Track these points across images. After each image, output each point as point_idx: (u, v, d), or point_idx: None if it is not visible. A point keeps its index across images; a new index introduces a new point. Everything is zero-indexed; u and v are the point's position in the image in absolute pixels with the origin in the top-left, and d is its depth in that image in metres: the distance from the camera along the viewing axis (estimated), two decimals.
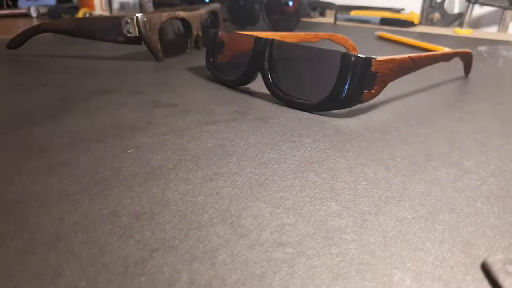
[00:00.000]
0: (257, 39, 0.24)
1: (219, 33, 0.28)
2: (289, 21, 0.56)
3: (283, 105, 0.24)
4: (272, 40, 0.24)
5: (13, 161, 0.15)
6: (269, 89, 0.24)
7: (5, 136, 0.18)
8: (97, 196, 0.13)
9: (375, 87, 0.21)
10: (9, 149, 0.16)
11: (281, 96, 0.24)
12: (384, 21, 0.77)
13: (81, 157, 0.16)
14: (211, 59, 0.29)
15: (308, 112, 0.23)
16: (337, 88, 0.21)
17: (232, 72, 0.27)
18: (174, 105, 0.23)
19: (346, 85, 0.21)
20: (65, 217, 0.12)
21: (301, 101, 0.23)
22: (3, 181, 0.14)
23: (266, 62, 0.24)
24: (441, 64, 0.38)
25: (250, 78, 0.26)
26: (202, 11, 0.40)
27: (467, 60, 0.33)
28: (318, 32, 0.39)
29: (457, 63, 0.36)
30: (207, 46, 0.29)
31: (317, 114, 0.22)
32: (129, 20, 0.32)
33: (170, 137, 0.18)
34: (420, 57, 0.24)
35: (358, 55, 0.20)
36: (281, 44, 0.24)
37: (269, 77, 0.24)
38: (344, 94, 0.21)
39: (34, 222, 0.12)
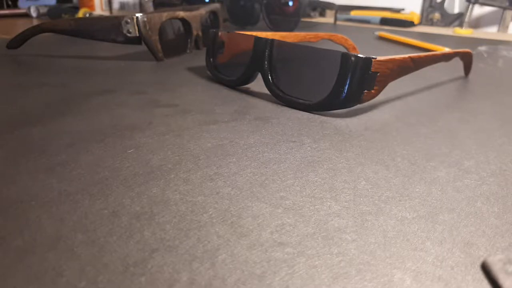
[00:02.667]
0: (257, 39, 0.24)
1: (219, 33, 0.28)
2: (289, 21, 0.56)
3: (283, 105, 0.24)
4: (272, 40, 0.24)
5: (13, 161, 0.15)
6: (269, 89, 0.24)
7: (5, 136, 0.18)
8: (97, 196, 0.13)
9: (375, 87, 0.21)
10: (9, 149, 0.16)
11: (281, 96, 0.24)
12: (384, 21, 0.77)
13: (81, 157, 0.16)
14: (211, 59, 0.29)
15: (308, 112, 0.23)
16: (337, 88, 0.21)
17: (232, 72, 0.27)
18: (174, 105, 0.23)
19: (346, 85, 0.21)
20: (65, 217, 0.12)
21: (301, 101, 0.23)
22: (3, 181, 0.14)
23: (266, 62, 0.24)
24: (441, 64, 0.38)
25: (250, 78, 0.26)
26: (202, 11, 0.40)
27: (467, 60, 0.33)
28: (318, 32, 0.39)
29: (457, 63, 0.36)
30: (207, 46, 0.29)
31: (317, 114, 0.22)
32: (129, 20, 0.32)
33: (170, 137, 0.18)
34: (420, 57, 0.24)
35: (358, 55, 0.20)
36: (281, 44, 0.24)
37: (269, 77, 0.24)
38: (344, 94, 0.21)
39: (34, 222, 0.12)
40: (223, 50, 0.28)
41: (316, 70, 0.22)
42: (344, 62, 0.21)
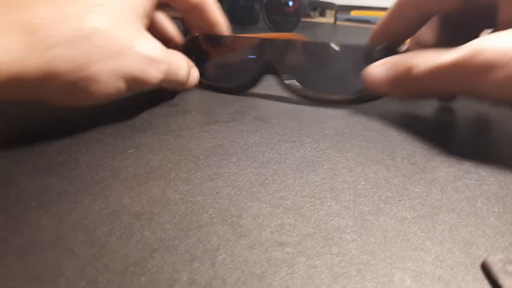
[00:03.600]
0: (265, 40, 0.24)
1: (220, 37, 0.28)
2: (289, 21, 0.56)
3: (283, 105, 0.24)
4: (290, 40, 0.24)
5: (13, 161, 0.15)
6: (292, 91, 0.24)
7: (5, 136, 0.18)
8: (97, 196, 0.13)
9: None
10: (9, 149, 0.16)
11: (310, 96, 0.24)
12: None
13: (81, 157, 0.16)
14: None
15: (342, 107, 0.23)
16: None
17: (235, 78, 0.27)
18: (174, 105, 0.23)
19: None
20: (65, 217, 0.12)
21: (333, 97, 0.23)
22: (3, 181, 0.14)
23: (282, 64, 0.24)
24: None
25: (257, 82, 0.25)
26: None
27: None
28: (277, 33, 0.39)
29: None
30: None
31: (317, 114, 0.22)
32: None
33: (170, 137, 0.18)
34: None
35: (381, 45, 0.21)
36: (300, 44, 0.24)
37: (284, 78, 0.24)
38: None
39: (34, 222, 0.12)
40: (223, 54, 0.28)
41: (340, 67, 0.23)
42: (368, 54, 0.21)
